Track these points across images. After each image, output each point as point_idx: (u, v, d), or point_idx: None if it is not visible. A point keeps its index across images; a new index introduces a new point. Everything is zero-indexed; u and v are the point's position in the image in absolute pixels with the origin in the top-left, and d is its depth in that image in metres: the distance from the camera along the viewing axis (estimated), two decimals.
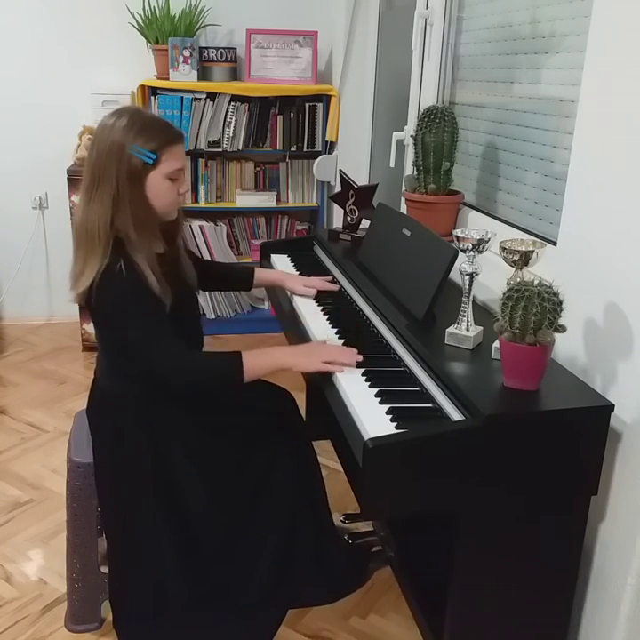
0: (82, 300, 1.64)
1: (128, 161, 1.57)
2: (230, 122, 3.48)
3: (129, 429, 1.71)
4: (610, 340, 1.43)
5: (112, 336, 1.69)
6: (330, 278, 2.14)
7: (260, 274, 2.10)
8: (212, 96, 3.43)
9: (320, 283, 2.07)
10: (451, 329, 1.57)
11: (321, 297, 2.04)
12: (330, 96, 3.52)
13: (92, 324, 3.42)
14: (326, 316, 1.91)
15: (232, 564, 1.78)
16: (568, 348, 1.54)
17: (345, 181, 2.37)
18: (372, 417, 1.40)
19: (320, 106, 3.58)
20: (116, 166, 1.56)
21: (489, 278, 1.62)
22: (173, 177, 1.64)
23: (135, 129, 1.57)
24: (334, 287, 2.09)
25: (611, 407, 1.35)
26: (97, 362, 1.82)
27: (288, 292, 2.10)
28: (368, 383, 1.54)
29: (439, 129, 2.18)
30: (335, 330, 1.83)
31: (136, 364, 1.66)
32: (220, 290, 1.90)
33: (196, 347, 1.83)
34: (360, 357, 1.61)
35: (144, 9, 3.41)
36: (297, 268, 2.36)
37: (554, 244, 1.72)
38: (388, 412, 1.41)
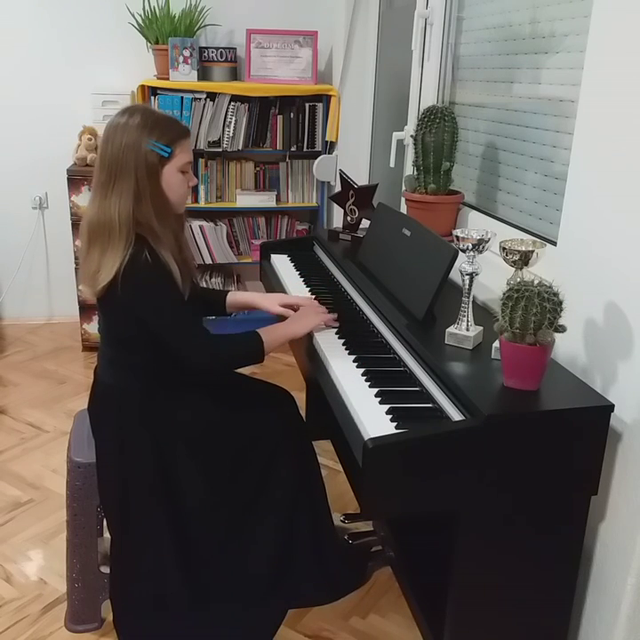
0: (101, 294, 1.66)
1: (145, 155, 1.63)
2: (230, 122, 3.48)
3: (130, 425, 1.71)
4: (610, 340, 1.43)
5: (128, 327, 1.70)
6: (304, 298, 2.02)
7: (234, 297, 2.02)
8: (212, 96, 3.43)
9: (295, 299, 1.98)
10: (451, 329, 1.57)
11: (321, 297, 2.04)
12: (330, 96, 3.52)
13: (91, 323, 3.45)
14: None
15: (232, 563, 1.78)
16: (568, 348, 1.54)
17: (345, 181, 2.37)
18: (372, 417, 1.40)
19: (320, 106, 3.58)
20: (133, 161, 1.62)
21: (489, 278, 1.63)
22: (184, 170, 1.73)
23: (149, 125, 1.64)
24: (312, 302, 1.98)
25: (611, 407, 1.35)
26: (98, 359, 1.82)
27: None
28: (368, 383, 1.54)
29: (439, 129, 2.18)
30: (335, 330, 1.83)
31: (146, 355, 1.70)
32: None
33: None
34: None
35: (144, 9, 3.41)
36: (297, 268, 2.36)
37: (554, 244, 1.72)
38: (388, 412, 1.41)
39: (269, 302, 1.98)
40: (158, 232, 1.64)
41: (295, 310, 1.92)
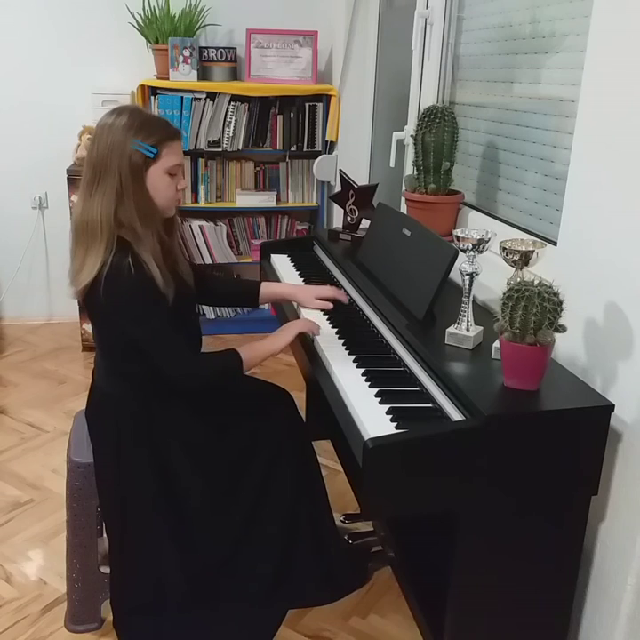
0: (81, 296, 1.65)
1: (130, 156, 1.60)
2: (230, 122, 3.48)
3: (128, 431, 1.71)
4: (610, 340, 1.43)
5: (114, 334, 1.69)
6: (341, 291, 2.01)
7: (267, 288, 2.01)
8: (211, 96, 3.43)
9: (333, 292, 1.96)
10: (451, 329, 1.57)
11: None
12: (330, 96, 3.52)
13: (91, 323, 3.44)
14: (326, 316, 1.91)
15: (232, 564, 1.78)
16: (568, 348, 1.54)
17: (345, 181, 2.37)
18: (372, 417, 1.40)
19: (320, 106, 3.58)
20: (117, 161, 1.59)
21: (489, 278, 1.62)
22: (172, 172, 1.67)
23: (136, 125, 1.61)
24: (345, 298, 1.97)
25: (611, 407, 1.35)
26: (95, 363, 1.82)
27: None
28: (368, 383, 1.54)
29: (439, 129, 2.18)
30: (335, 330, 1.83)
31: (139, 363, 1.68)
32: (225, 305, 1.85)
33: (196, 345, 1.83)
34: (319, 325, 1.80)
35: (144, 9, 3.41)
36: (297, 268, 2.36)
37: (554, 243, 1.72)
38: (388, 412, 1.41)
39: (306, 296, 1.95)
40: (140, 234, 1.61)
41: (333, 303, 1.93)
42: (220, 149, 3.54)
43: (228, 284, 1.93)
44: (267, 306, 3.82)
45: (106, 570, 1.82)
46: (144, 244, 1.62)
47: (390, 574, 2.05)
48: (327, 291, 1.97)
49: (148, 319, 1.62)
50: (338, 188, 2.42)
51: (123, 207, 1.61)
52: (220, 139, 3.50)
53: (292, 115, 3.56)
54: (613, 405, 1.35)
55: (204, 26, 3.55)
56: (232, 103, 3.46)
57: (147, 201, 1.64)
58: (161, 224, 1.71)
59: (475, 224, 2.25)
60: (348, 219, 2.39)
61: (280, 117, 3.57)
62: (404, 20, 2.67)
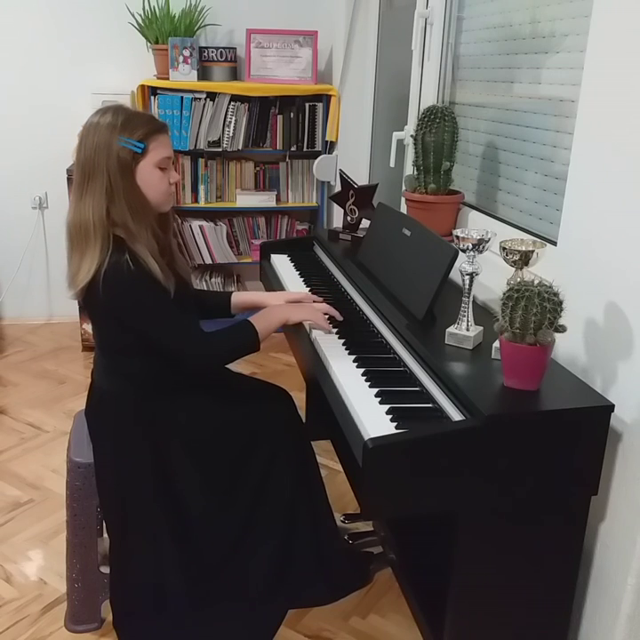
0: (80, 296, 1.66)
1: (117, 153, 1.60)
2: (230, 122, 3.48)
3: (128, 430, 1.71)
4: (610, 340, 1.43)
5: (115, 333, 1.69)
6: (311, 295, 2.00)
7: (238, 298, 2.00)
8: (211, 96, 3.43)
9: (304, 295, 1.96)
10: (451, 329, 1.57)
11: (321, 297, 2.04)
12: (330, 96, 3.52)
13: (90, 323, 3.44)
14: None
15: (232, 563, 1.78)
16: (568, 348, 1.54)
17: (345, 181, 2.37)
18: (372, 417, 1.40)
19: (320, 106, 3.58)
20: (105, 160, 1.59)
21: (489, 278, 1.63)
22: (163, 166, 1.67)
23: (120, 122, 1.61)
24: (317, 299, 1.96)
25: (611, 407, 1.35)
26: (94, 363, 1.82)
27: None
28: (368, 383, 1.54)
29: (439, 129, 2.18)
30: (336, 329, 1.83)
31: (139, 361, 1.69)
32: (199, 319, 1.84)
33: None
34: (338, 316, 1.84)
35: (144, 9, 3.41)
36: (297, 268, 2.36)
37: (554, 243, 1.72)
38: (388, 412, 1.41)
39: (276, 301, 1.96)
40: (133, 231, 1.61)
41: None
42: (220, 149, 3.54)
43: (198, 298, 1.93)
44: None
45: (106, 570, 1.82)
46: (139, 240, 1.61)
47: (390, 574, 2.05)
48: (294, 294, 1.98)
49: (153, 308, 1.63)
50: (338, 188, 2.42)
51: (114, 206, 1.61)
52: (220, 139, 3.50)
53: (291, 115, 3.56)
54: (613, 405, 1.35)
55: (204, 26, 3.55)
56: (232, 103, 3.46)
57: (138, 198, 1.64)
58: (155, 220, 1.70)
59: (475, 224, 2.25)
60: (348, 219, 2.39)
61: (280, 117, 3.57)
62: (404, 20, 2.67)
